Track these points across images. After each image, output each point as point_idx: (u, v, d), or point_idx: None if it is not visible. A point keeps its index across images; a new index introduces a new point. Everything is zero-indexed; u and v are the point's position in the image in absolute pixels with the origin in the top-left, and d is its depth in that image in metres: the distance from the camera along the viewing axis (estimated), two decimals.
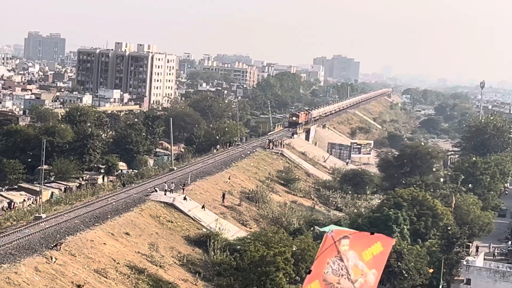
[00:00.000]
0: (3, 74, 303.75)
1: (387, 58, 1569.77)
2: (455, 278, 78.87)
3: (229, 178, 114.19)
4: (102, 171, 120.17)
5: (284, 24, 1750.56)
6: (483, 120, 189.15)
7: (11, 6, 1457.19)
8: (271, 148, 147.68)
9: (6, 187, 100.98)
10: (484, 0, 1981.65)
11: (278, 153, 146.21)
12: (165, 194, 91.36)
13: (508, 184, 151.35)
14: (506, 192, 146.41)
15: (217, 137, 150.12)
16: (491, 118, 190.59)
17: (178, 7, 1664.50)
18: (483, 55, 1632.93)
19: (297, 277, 66.85)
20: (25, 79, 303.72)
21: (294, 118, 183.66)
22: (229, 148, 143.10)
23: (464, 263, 78.60)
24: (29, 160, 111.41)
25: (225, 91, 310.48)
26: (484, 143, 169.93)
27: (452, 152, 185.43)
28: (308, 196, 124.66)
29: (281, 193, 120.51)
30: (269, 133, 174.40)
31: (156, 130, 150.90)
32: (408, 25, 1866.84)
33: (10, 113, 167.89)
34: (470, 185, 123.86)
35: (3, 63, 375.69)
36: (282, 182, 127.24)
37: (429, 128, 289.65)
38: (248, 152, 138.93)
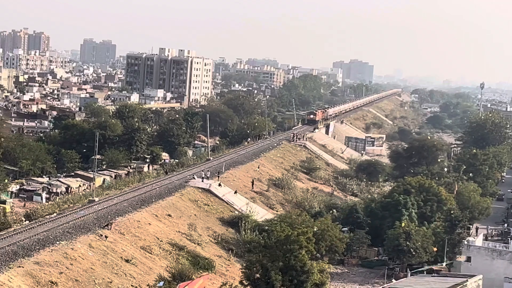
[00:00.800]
0: (62, 76, 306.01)
1: (398, 62, 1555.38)
2: (457, 256, 78.34)
3: (258, 167, 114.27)
4: (147, 160, 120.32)
5: (307, 31, 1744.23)
6: (482, 117, 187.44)
7: (69, 16, 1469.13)
8: (295, 141, 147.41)
9: (64, 174, 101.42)
10: (483, 11, 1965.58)
11: (301, 145, 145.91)
12: (202, 181, 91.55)
13: (505, 173, 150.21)
14: (503, 180, 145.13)
15: (248, 131, 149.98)
16: (490, 115, 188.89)
17: (216, 17, 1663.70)
18: (483, 58, 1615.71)
19: (317, 254, 66.81)
20: (80, 80, 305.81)
21: (311, 116, 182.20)
22: (258, 140, 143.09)
23: (465, 243, 77.91)
24: (84, 150, 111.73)
25: (255, 91, 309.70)
26: (483, 137, 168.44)
27: (455, 145, 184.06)
28: (327, 183, 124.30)
29: (304, 181, 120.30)
30: (293, 128, 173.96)
31: (195, 124, 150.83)
32: (417, 33, 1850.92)
33: (67, 110, 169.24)
34: (470, 174, 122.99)
35: (62, 66, 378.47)
36: (305, 170, 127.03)
37: (435, 123, 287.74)
38: (275, 144, 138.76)
